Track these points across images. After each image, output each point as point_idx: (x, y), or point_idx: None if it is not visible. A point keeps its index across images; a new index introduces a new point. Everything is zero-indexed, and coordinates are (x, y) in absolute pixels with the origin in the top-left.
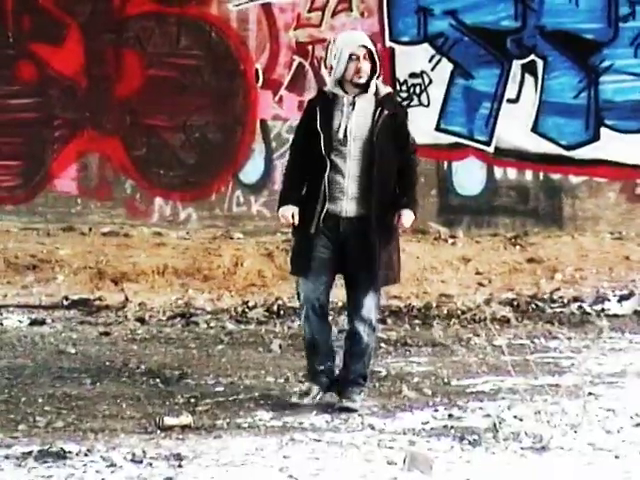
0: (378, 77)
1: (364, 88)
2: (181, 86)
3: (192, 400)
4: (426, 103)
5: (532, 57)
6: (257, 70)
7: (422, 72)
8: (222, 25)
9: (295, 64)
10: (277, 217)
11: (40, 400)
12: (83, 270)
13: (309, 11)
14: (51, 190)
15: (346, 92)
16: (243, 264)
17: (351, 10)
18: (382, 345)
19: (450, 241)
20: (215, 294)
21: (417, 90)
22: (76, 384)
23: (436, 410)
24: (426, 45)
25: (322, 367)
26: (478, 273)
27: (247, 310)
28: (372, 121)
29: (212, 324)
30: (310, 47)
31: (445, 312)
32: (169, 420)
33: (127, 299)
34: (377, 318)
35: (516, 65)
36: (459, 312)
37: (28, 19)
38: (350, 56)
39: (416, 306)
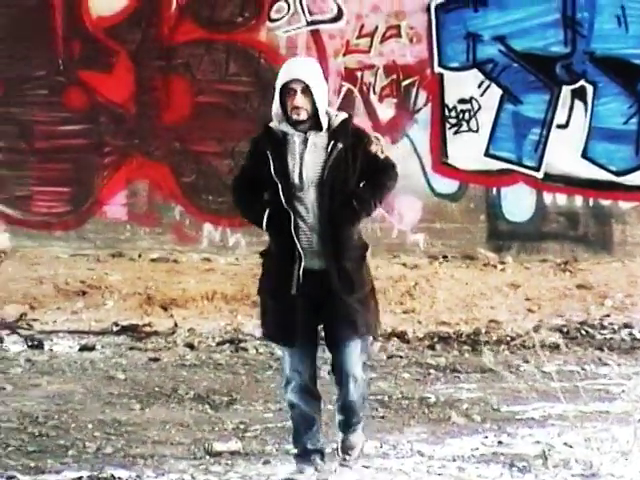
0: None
1: (315, 122)
2: (230, 112)
3: (241, 426)
4: (475, 129)
5: (582, 83)
6: None
7: (471, 98)
8: (271, 51)
9: (344, 90)
10: None
11: (90, 426)
12: (132, 296)
13: (358, 37)
14: (101, 216)
15: (296, 129)
16: None
17: (400, 36)
18: (431, 371)
19: (499, 267)
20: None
21: (466, 116)
22: (125, 410)
23: (485, 437)
24: (475, 71)
25: (315, 446)
26: (527, 299)
27: None
28: (325, 159)
29: (261, 350)
30: (359, 73)
31: (494, 338)
32: (218, 446)
33: (176, 325)
34: (363, 368)
35: (565, 91)
36: (508, 338)
37: (78, 46)
38: (282, 90)
39: (465, 332)
